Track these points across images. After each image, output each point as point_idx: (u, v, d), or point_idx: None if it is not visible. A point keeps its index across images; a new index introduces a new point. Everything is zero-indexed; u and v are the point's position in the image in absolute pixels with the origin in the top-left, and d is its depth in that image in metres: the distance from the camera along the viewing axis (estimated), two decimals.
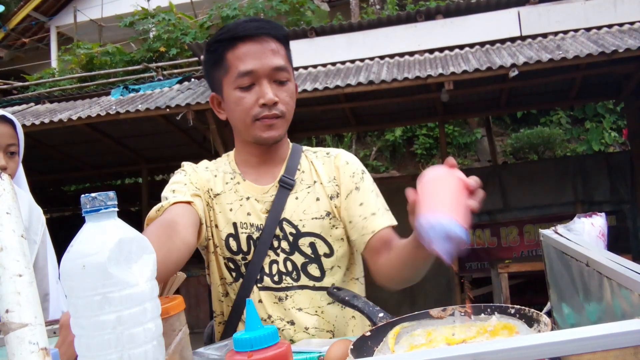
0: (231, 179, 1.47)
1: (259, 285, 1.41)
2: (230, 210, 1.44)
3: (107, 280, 0.68)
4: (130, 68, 9.29)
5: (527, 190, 7.37)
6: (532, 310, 0.78)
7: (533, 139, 10.11)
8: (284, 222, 1.41)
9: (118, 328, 0.69)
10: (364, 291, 1.53)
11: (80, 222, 0.72)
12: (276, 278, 1.41)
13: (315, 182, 1.46)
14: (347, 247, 1.46)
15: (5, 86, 9.87)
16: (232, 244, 1.43)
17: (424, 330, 0.87)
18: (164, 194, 1.39)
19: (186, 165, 1.52)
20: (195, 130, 6.69)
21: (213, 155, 6.57)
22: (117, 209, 0.73)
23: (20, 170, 1.79)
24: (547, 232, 1.04)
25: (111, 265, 0.68)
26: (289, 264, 1.41)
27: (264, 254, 1.40)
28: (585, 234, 1.07)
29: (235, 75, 1.35)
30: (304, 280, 1.41)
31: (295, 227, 1.40)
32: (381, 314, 1.03)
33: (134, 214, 9.20)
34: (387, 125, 9.41)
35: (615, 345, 0.55)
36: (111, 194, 0.72)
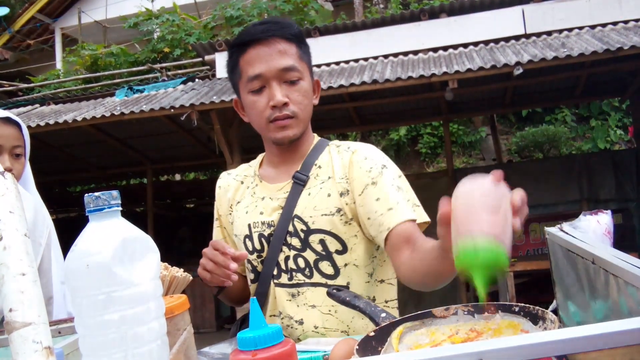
0: (251, 182, 1.52)
1: (275, 281, 1.41)
2: (246, 213, 1.47)
3: (111, 280, 0.68)
4: (134, 69, 9.31)
5: (532, 189, 7.34)
6: (537, 307, 0.78)
7: (538, 137, 10.08)
8: (295, 219, 1.39)
9: (122, 327, 0.69)
10: (395, 293, 1.48)
11: (86, 222, 0.72)
12: (289, 275, 1.40)
13: (329, 177, 1.42)
14: (366, 246, 1.40)
15: (10, 88, 9.91)
16: (248, 244, 1.45)
17: (427, 330, 0.86)
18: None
19: (219, 182, 1.61)
20: (199, 131, 6.70)
21: (217, 155, 6.61)
22: (120, 209, 0.73)
23: (28, 172, 1.78)
24: (553, 230, 1.04)
25: (115, 265, 0.68)
26: (300, 261, 1.39)
27: (279, 249, 1.40)
28: (591, 231, 1.06)
29: (246, 80, 1.39)
30: (317, 278, 1.38)
31: (305, 223, 1.38)
32: (383, 314, 1.02)
33: (139, 214, 9.22)
34: (391, 124, 9.40)
35: (622, 343, 0.54)
36: (114, 193, 0.72)
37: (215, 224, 1.60)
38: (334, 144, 1.50)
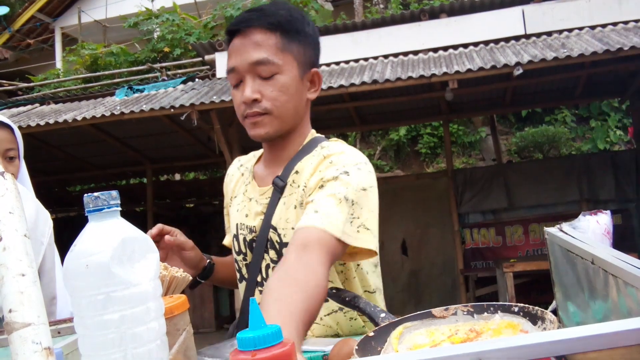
0: (247, 177, 1.46)
1: (259, 288, 1.36)
2: (237, 211, 1.43)
3: (110, 280, 0.68)
4: (134, 68, 9.31)
5: (532, 189, 7.36)
6: (537, 308, 0.78)
7: (538, 138, 10.09)
8: (271, 230, 1.32)
9: (121, 327, 0.68)
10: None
11: (85, 222, 0.72)
12: None
13: (299, 186, 1.30)
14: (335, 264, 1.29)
15: (10, 87, 9.91)
16: (235, 244, 1.42)
17: (426, 330, 0.86)
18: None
19: (230, 168, 1.56)
20: (199, 130, 6.70)
21: (217, 154, 6.60)
22: (119, 209, 0.73)
23: (24, 174, 1.77)
24: (552, 230, 1.04)
25: (114, 265, 0.68)
26: None
27: (261, 257, 1.35)
28: (591, 231, 1.06)
29: (227, 73, 1.33)
30: None
31: (279, 235, 1.31)
32: (383, 314, 1.02)
33: (139, 214, 9.22)
34: (391, 124, 9.41)
35: (622, 343, 0.54)
36: (114, 193, 0.71)
37: (225, 211, 1.56)
38: (321, 145, 1.35)
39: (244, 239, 1.39)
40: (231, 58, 1.30)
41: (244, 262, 1.40)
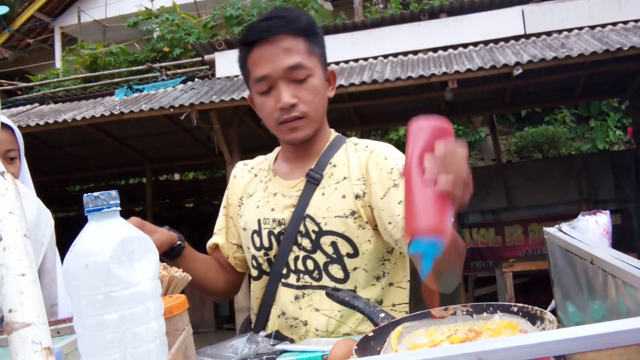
0: (265, 176, 1.49)
1: (283, 280, 1.38)
2: (257, 207, 1.44)
3: (110, 280, 0.68)
4: (134, 68, 9.30)
5: (531, 189, 7.36)
6: (536, 307, 0.78)
7: (537, 138, 10.08)
8: (307, 219, 1.35)
9: (121, 327, 0.69)
10: (406, 297, 1.44)
11: (85, 222, 0.72)
12: (297, 276, 1.37)
13: (345, 177, 1.36)
14: (378, 250, 1.36)
15: (9, 87, 9.90)
16: (256, 240, 1.42)
17: (426, 330, 0.86)
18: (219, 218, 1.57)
19: (235, 171, 1.58)
20: (199, 130, 6.70)
21: (217, 154, 6.61)
22: (119, 208, 0.73)
23: (25, 175, 1.77)
24: (552, 230, 1.04)
25: (114, 265, 0.68)
26: (309, 263, 1.35)
27: (289, 249, 1.37)
28: (590, 231, 1.06)
29: (254, 81, 1.34)
30: (325, 281, 1.34)
31: (317, 224, 1.34)
32: (382, 314, 1.02)
33: (139, 214, 9.22)
34: (391, 124, 9.40)
35: (621, 343, 0.54)
36: (113, 193, 0.71)
37: (222, 211, 1.56)
38: (352, 142, 1.44)
39: (270, 232, 1.39)
40: (259, 66, 1.32)
41: (266, 257, 1.41)
